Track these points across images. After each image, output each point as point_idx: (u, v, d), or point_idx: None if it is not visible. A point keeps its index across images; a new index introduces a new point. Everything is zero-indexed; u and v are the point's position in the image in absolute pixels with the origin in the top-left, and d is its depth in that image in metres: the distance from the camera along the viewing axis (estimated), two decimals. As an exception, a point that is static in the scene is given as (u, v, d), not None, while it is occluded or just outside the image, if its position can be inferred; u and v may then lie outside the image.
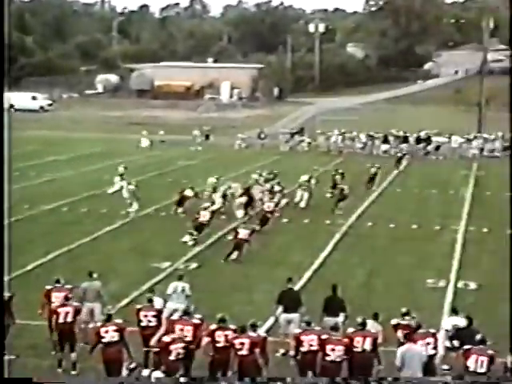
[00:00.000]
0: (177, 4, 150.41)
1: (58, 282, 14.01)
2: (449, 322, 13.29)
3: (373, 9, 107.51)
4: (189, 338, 12.15)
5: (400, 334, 12.44)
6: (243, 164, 35.90)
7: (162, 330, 12.54)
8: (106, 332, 12.06)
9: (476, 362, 11.24)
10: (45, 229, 22.95)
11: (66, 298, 13.20)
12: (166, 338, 11.79)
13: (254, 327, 11.99)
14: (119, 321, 12.34)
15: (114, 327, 12.12)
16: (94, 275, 14.50)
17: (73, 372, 12.80)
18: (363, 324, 12.12)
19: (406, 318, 12.75)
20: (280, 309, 14.12)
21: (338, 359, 11.75)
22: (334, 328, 12.19)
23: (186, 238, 21.59)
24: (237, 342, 11.73)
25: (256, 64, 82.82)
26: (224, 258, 19.90)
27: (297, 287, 15.94)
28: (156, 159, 39.36)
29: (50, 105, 68.06)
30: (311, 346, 11.99)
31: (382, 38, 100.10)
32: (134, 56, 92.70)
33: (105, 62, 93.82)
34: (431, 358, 12.00)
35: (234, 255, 19.98)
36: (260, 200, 25.42)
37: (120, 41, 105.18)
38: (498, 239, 22.85)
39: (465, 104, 65.54)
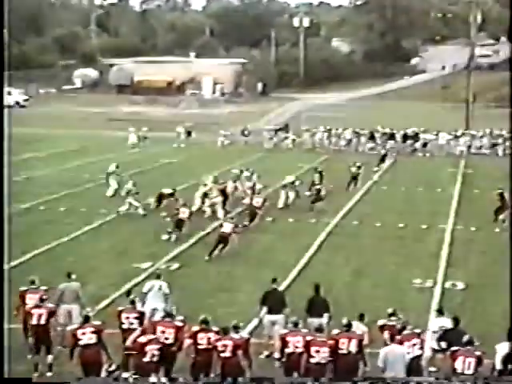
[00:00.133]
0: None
1: (33, 283, 13.95)
2: (436, 323, 13.37)
3: (358, 2, 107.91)
4: (170, 341, 12.16)
5: (386, 335, 12.51)
6: (226, 161, 35.87)
7: (138, 330, 12.50)
8: (83, 334, 12.03)
9: (463, 364, 11.32)
10: (21, 228, 22.83)
11: (41, 300, 13.12)
12: (142, 339, 11.79)
13: (237, 329, 12.02)
14: (97, 322, 12.33)
15: (92, 329, 12.09)
16: (73, 276, 14.45)
17: (48, 374, 12.75)
18: (348, 325, 12.17)
19: (393, 318, 12.82)
20: (264, 310, 14.14)
21: (323, 361, 11.79)
22: (319, 329, 12.24)
23: (165, 236, 21.77)
24: (219, 344, 11.75)
25: (239, 58, 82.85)
26: (208, 253, 19.98)
27: (281, 288, 15.95)
28: (136, 156, 39.24)
29: (26, 100, 67.70)
30: (297, 347, 12.03)
31: (368, 32, 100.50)
32: (114, 50, 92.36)
33: (83, 56, 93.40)
34: (417, 358, 12.07)
35: (217, 250, 20.11)
36: (242, 198, 25.49)
37: (99, 34, 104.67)
38: (486, 238, 23.03)
39: (452, 100, 65.98)
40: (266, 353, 13.76)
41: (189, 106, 68.03)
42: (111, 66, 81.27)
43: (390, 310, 13.06)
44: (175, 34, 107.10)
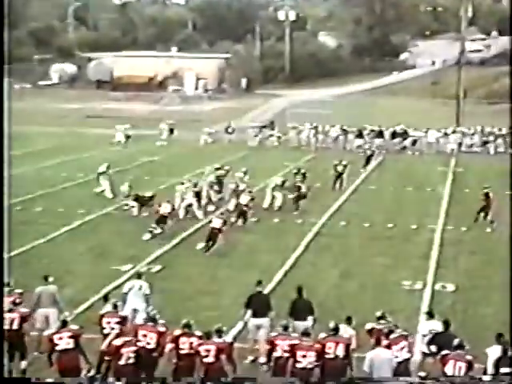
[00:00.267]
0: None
1: (7, 285, 13.89)
2: (426, 326, 13.42)
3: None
4: (152, 346, 12.15)
5: (375, 339, 12.56)
6: (209, 160, 35.81)
7: (114, 333, 12.47)
8: (61, 339, 11.99)
9: (454, 368, 11.39)
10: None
11: (14, 303, 13.05)
12: (117, 341, 11.77)
13: (220, 333, 12.03)
14: (75, 327, 12.29)
15: (69, 333, 12.06)
16: (50, 279, 14.40)
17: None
18: (336, 329, 12.21)
19: (381, 322, 12.87)
20: (249, 313, 14.16)
21: (310, 366, 11.82)
22: (305, 333, 12.27)
23: (147, 235, 21.92)
24: (202, 348, 11.75)
25: (222, 53, 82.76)
26: (202, 249, 20.54)
27: (266, 290, 15.99)
28: (116, 155, 39.10)
29: (1, 96, 67.29)
30: (285, 351, 12.07)
31: (356, 27, 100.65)
32: (92, 44, 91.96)
33: (60, 50, 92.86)
34: (405, 362, 12.13)
35: (201, 245, 20.51)
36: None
37: (77, 28, 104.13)
38: (477, 239, 23.16)
39: (442, 96, 66.30)
40: (250, 358, 13.79)
41: (170, 102, 67.90)
42: (90, 60, 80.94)
43: (378, 313, 13.11)
44: (156, 27, 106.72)
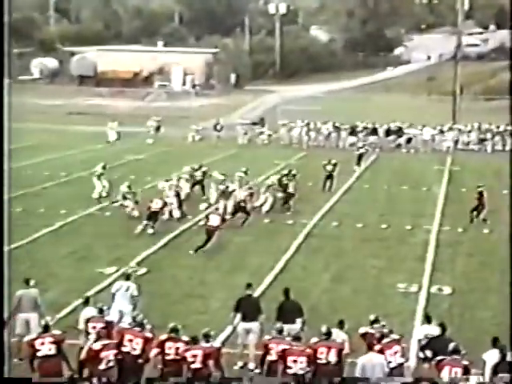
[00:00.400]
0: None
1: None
2: (422, 331, 13.46)
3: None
4: (137, 352, 12.14)
5: (367, 343, 12.59)
6: (197, 158, 35.80)
7: (93, 337, 12.46)
8: (42, 344, 11.96)
9: (450, 374, 11.42)
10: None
11: None
12: (96, 345, 11.77)
13: (208, 337, 12.03)
14: (57, 332, 12.27)
15: (51, 339, 12.03)
16: (31, 282, 14.37)
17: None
18: (328, 333, 12.23)
19: (375, 326, 12.90)
20: (238, 317, 14.17)
21: (301, 372, 11.84)
22: (296, 337, 12.28)
23: (140, 227, 22.51)
24: (188, 354, 11.74)
25: (211, 48, 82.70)
26: (198, 247, 20.74)
27: (256, 293, 16.00)
28: (100, 153, 39.06)
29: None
30: (279, 355, 12.09)
31: (349, 20, 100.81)
32: (75, 38, 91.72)
33: (41, 43, 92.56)
34: (399, 367, 12.16)
35: (200, 242, 20.86)
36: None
37: (58, 20, 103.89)
38: (474, 240, 23.26)
39: (438, 92, 66.45)
40: (240, 363, 13.80)
41: (156, 98, 67.84)
42: (72, 54, 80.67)
43: (372, 317, 13.14)
44: (141, 20, 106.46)
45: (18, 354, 13.38)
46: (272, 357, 12.14)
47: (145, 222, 22.70)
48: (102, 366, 11.53)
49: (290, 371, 11.83)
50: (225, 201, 25.10)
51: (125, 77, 74.53)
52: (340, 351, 12.08)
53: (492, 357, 11.82)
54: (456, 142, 43.62)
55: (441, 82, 71.11)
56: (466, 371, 11.45)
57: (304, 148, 42.57)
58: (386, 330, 12.54)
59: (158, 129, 46.59)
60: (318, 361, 11.94)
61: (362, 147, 37.31)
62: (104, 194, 27.14)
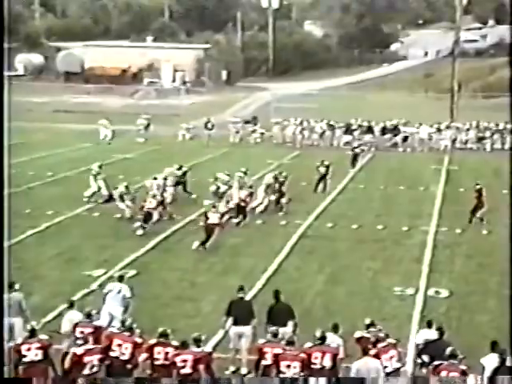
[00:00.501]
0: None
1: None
2: (422, 335, 13.43)
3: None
4: (126, 357, 12.12)
5: (362, 348, 12.61)
6: (188, 157, 35.83)
7: (79, 342, 12.44)
8: (29, 350, 11.94)
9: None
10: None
11: None
12: (79, 350, 11.75)
13: (198, 342, 12.02)
14: (44, 337, 12.25)
15: (38, 344, 12.01)
16: (15, 286, 14.33)
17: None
18: (322, 338, 12.24)
19: (371, 330, 12.92)
20: (230, 321, 14.17)
21: (294, 377, 11.84)
22: (290, 342, 12.28)
23: (137, 224, 22.89)
24: (178, 359, 11.73)
25: (202, 43, 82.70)
26: (198, 245, 21.15)
27: (248, 297, 16.01)
28: (87, 152, 39.02)
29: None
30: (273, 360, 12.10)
31: (344, 15, 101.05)
32: (61, 33, 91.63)
33: (26, 39, 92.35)
34: (395, 372, 12.18)
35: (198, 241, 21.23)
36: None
37: (43, 15, 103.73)
38: (473, 241, 23.30)
39: (435, 89, 66.60)
40: (232, 368, 13.80)
41: (146, 95, 67.79)
42: (58, 50, 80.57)
43: (367, 321, 13.17)
44: (130, 15, 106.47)
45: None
46: (267, 361, 12.14)
47: (139, 222, 22.94)
48: (86, 371, 11.51)
49: (283, 376, 11.82)
50: (217, 201, 25.09)
51: (113, 73, 74.47)
52: (335, 356, 12.08)
53: (491, 361, 11.83)
54: (454, 141, 43.64)
55: (438, 79, 71.32)
56: (464, 376, 11.48)
57: (297, 147, 42.59)
58: (382, 334, 12.58)
59: (147, 127, 46.51)
60: (313, 366, 11.94)
61: (357, 147, 37.23)
62: (102, 194, 27.05)
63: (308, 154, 39.07)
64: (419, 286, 18.79)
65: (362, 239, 23.29)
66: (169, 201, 25.66)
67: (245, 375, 13.07)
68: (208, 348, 12.74)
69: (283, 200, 26.31)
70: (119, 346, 12.16)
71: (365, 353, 12.08)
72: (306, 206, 26.89)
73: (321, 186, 29.92)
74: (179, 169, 28.37)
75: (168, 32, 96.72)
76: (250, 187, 25.89)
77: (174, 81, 75.42)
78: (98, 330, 13.00)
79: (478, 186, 25.20)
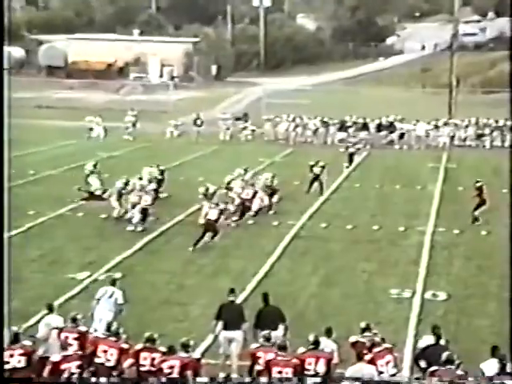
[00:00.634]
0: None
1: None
2: (423, 341, 13.41)
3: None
4: (112, 363, 12.11)
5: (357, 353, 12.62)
6: (176, 155, 35.85)
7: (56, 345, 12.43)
8: (11, 356, 11.92)
9: (443, 384, 11.49)
10: None
11: None
12: (55, 357, 11.73)
13: (186, 347, 12.01)
14: (27, 343, 12.23)
15: (21, 351, 11.99)
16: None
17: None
18: (316, 342, 12.25)
19: (367, 334, 12.94)
20: (220, 325, 14.16)
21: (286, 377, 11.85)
22: (281, 347, 12.28)
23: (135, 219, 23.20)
24: (165, 365, 11.72)
25: (190, 37, 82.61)
26: (193, 244, 21.32)
27: (239, 300, 16.02)
28: (70, 149, 38.95)
29: None
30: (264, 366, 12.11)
31: (337, 7, 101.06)
32: (43, 25, 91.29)
33: (6, 31, 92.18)
34: (392, 377, 12.20)
35: (207, 237, 21.57)
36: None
37: (25, 7, 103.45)
38: (472, 242, 23.36)
39: (433, 84, 66.69)
40: (222, 374, 13.79)
41: (132, 91, 67.69)
42: (40, 43, 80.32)
43: (363, 325, 13.17)
44: (116, 7, 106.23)
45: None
46: (260, 366, 12.14)
47: (136, 219, 23.35)
48: (63, 379, 11.48)
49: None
50: (208, 202, 25.07)
51: (97, 68, 74.29)
52: (329, 361, 12.09)
53: (491, 367, 11.86)
54: (452, 138, 43.76)
55: (436, 74, 71.46)
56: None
57: (290, 144, 42.62)
58: (377, 339, 12.60)
59: (134, 124, 46.44)
60: (306, 371, 11.95)
61: (352, 145, 37.20)
62: (98, 193, 27.05)
63: (301, 152, 39.11)
64: (416, 289, 18.82)
65: (356, 240, 23.33)
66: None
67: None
68: (197, 354, 12.73)
69: (273, 199, 26.36)
70: (105, 352, 12.15)
71: (360, 358, 12.09)
72: (299, 206, 26.93)
73: (314, 187, 29.58)
74: (158, 168, 28.33)
75: (155, 25, 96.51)
76: (252, 185, 25.96)
77: (161, 76, 75.33)
78: (82, 336, 12.98)
79: (479, 184, 25.24)
